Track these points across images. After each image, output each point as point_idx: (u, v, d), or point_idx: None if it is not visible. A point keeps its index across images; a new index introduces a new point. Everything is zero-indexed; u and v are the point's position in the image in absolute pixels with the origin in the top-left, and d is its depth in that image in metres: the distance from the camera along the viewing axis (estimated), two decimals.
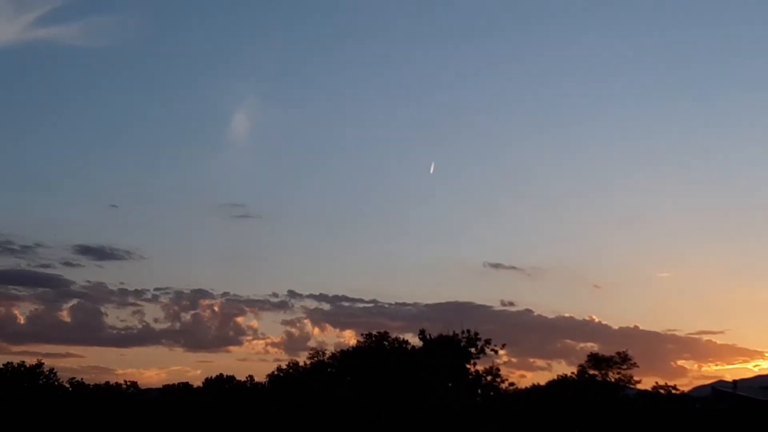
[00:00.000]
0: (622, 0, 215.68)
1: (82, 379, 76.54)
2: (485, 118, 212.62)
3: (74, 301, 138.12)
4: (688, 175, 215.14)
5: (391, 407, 57.59)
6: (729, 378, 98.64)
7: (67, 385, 70.61)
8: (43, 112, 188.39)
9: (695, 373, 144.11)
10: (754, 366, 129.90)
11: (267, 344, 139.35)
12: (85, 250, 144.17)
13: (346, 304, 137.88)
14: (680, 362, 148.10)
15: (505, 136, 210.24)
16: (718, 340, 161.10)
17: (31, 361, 70.66)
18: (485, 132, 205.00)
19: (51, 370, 69.90)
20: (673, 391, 70.37)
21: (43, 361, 71.13)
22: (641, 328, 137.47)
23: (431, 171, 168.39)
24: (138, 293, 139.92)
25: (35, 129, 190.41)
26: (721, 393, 77.89)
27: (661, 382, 73.24)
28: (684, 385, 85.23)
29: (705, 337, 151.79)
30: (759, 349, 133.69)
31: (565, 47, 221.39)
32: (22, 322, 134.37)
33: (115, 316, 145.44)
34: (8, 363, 68.61)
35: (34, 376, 67.47)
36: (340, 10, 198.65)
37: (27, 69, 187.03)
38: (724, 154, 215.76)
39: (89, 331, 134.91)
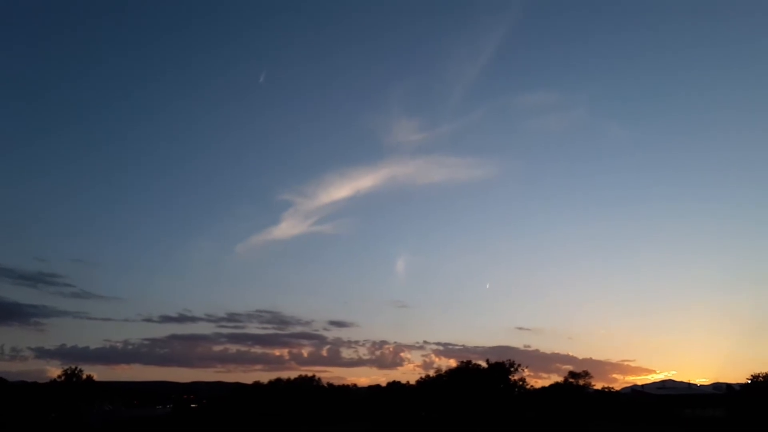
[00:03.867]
0: None
1: (332, 383, 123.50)
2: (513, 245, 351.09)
3: (327, 347, 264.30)
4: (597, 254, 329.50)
5: (474, 396, 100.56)
6: (639, 383, 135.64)
7: (325, 385, 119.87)
8: (304, 268, 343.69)
9: (621, 381, 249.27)
10: (651, 377, 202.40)
11: (414, 366, 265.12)
12: (332, 323, 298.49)
13: (450, 346, 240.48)
14: (614, 375, 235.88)
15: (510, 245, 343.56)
16: (632, 364, 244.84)
17: (309, 374, 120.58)
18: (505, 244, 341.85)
19: (318, 379, 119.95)
20: (612, 390, 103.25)
21: (314, 374, 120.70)
22: (594, 358, 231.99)
23: (487, 287, 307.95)
24: (355, 342, 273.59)
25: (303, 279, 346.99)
26: (635, 391, 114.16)
27: (605, 385, 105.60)
28: (616, 386, 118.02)
29: (625, 363, 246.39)
30: (653, 368, 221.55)
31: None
32: (305, 356, 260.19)
33: (345, 353, 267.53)
34: (299, 376, 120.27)
35: (311, 382, 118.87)
36: (445, 206, 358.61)
37: (309, 247, 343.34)
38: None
39: (334, 359, 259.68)
